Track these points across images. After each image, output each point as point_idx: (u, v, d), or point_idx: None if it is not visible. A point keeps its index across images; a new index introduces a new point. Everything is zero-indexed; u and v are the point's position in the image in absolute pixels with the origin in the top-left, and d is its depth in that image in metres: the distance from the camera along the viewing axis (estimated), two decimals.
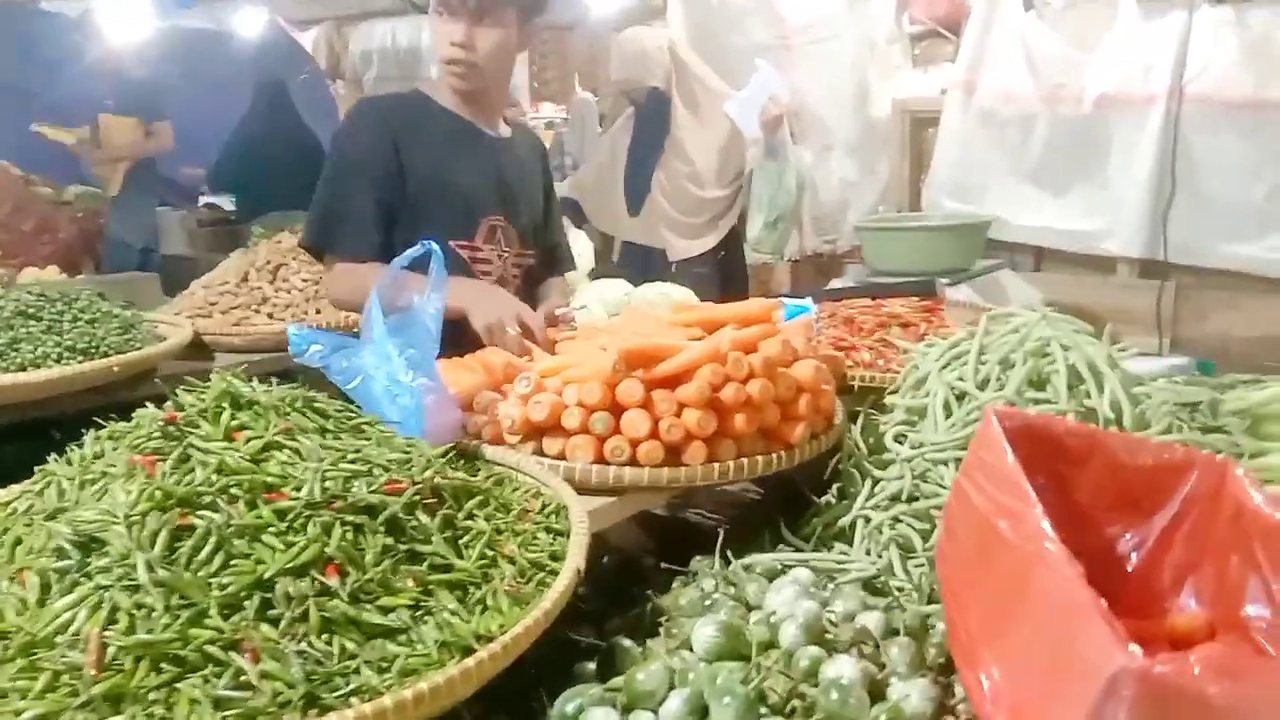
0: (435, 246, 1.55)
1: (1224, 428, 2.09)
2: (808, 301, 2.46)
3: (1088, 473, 1.35)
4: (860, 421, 1.85)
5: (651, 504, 1.56)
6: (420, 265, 1.57)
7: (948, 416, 1.64)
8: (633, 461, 1.50)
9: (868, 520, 1.60)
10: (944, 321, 2.33)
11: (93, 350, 2.02)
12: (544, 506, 1.36)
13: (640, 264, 3.65)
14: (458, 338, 1.84)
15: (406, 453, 1.26)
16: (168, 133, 5.57)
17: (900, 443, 1.67)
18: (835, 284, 2.87)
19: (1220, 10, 3.31)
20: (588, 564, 1.19)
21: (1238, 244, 3.44)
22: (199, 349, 2.37)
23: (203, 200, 7.31)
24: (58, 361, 1.96)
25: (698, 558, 1.50)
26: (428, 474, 1.20)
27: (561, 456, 1.52)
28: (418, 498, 1.16)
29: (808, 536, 1.66)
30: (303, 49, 10.29)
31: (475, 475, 1.44)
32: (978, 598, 1.15)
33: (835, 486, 1.75)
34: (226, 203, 7.29)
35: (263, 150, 6.41)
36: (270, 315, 2.48)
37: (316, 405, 1.29)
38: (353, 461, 1.16)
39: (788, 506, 1.81)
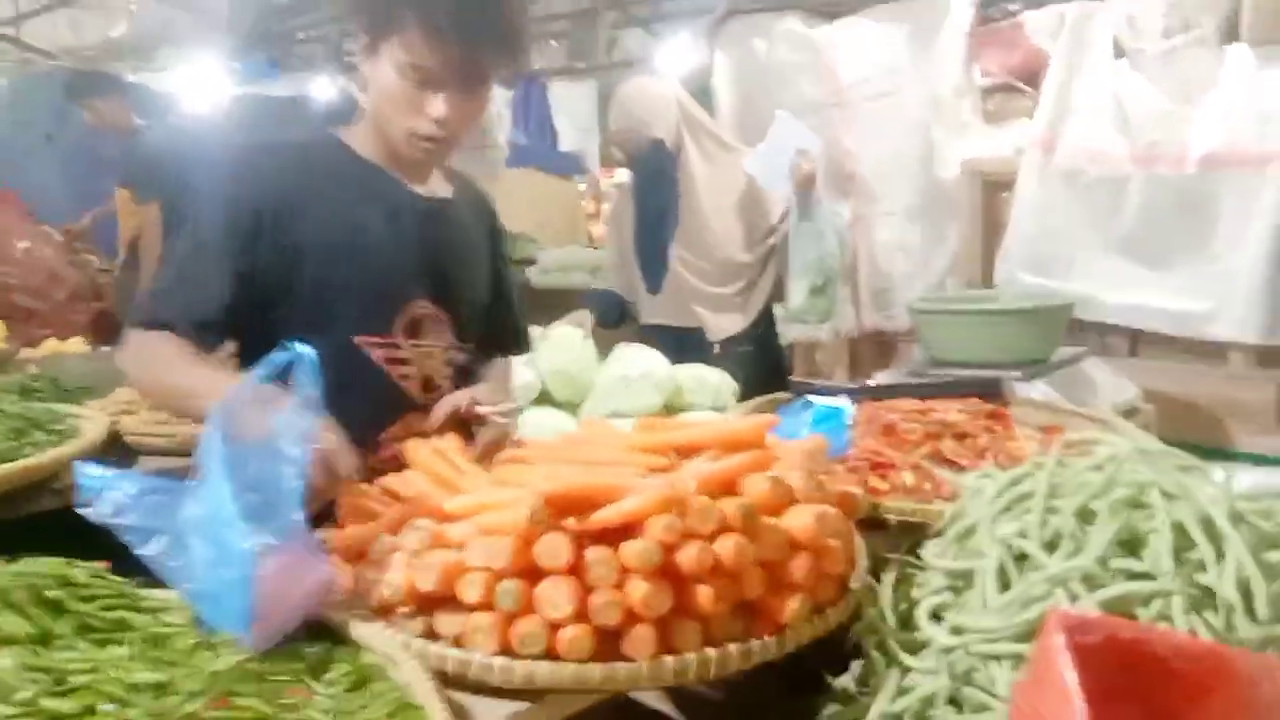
0: (305, 350, 1.17)
1: None
2: (842, 401, 2.02)
3: (1212, 712, 0.89)
4: (892, 577, 1.40)
5: (575, 709, 1.13)
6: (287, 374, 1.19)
7: (1003, 589, 1.19)
8: (551, 653, 1.08)
9: None
10: (1011, 432, 1.86)
11: None
12: None
13: (673, 346, 3.21)
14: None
15: (183, 665, 0.87)
16: (151, 214, 5.39)
17: (938, 621, 1.22)
18: (881, 377, 2.43)
19: None
20: None
21: None
22: (120, 449, 2.03)
23: None
24: None
25: None
26: (189, 709, 0.80)
27: (460, 642, 1.11)
28: None
29: None
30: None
31: (329, 670, 1.05)
32: None
33: (855, 668, 1.31)
34: None
35: None
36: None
37: (77, 582, 0.91)
38: (66, 693, 0.77)
39: (794, 683, 1.37)
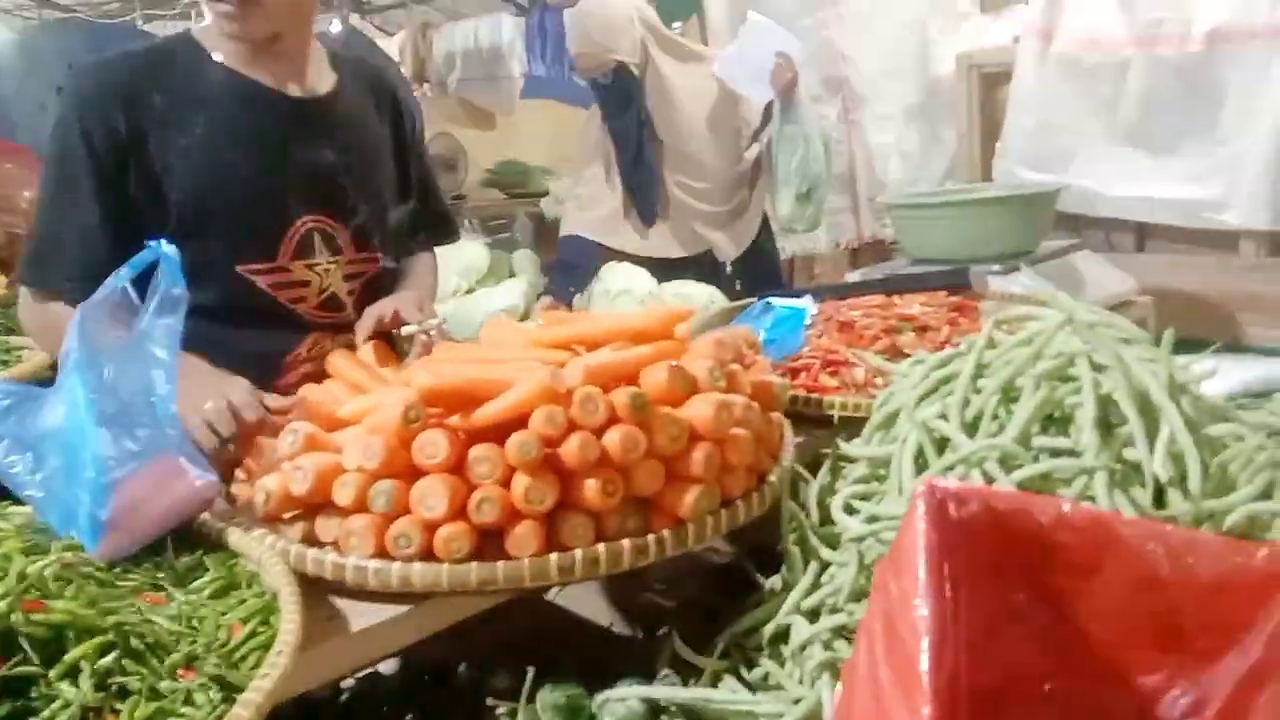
0: (168, 249, 1.11)
1: None
2: (804, 302, 1.93)
3: (1101, 587, 0.82)
4: (823, 472, 1.33)
5: (463, 615, 1.08)
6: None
7: (920, 472, 1.11)
8: (428, 554, 1.02)
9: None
10: (976, 325, 1.76)
11: None
12: (251, 635, 0.90)
13: (661, 272, 3.07)
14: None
15: None
16: None
17: (852, 514, 1.14)
18: (852, 277, 2.32)
19: None
20: None
21: None
22: None
23: None
24: None
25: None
26: None
27: (338, 547, 1.06)
28: None
29: (738, 644, 1.16)
30: (384, 54, 10.20)
31: (200, 577, 1.00)
32: None
33: (783, 568, 1.24)
34: None
35: None
36: None
37: None
38: None
39: (737, 587, 1.32)
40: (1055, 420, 1.11)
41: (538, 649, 1.16)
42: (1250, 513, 0.99)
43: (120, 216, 1.46)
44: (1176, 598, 0.80)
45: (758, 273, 3.19)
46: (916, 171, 3.71)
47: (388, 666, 1.36)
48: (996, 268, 2.13)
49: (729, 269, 3.20)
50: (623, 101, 3.02)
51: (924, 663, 0.59)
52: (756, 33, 2.80)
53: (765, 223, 3.22)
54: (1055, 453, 1.05)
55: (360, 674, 1.33)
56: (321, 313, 1.61)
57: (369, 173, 1.64)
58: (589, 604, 1.52)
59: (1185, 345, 1.22)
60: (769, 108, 3.00)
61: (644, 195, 3.13)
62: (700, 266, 3.16)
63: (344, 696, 1.30)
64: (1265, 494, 1.02)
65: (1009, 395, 1.13)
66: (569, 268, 3.25)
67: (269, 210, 1.53)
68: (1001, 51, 3.34)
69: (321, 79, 1.64)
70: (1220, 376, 1.84)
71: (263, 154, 1.53)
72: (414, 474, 1.05)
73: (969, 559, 0.78)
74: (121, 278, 1.11)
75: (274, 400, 1.29)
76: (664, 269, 3.12)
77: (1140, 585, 0.80)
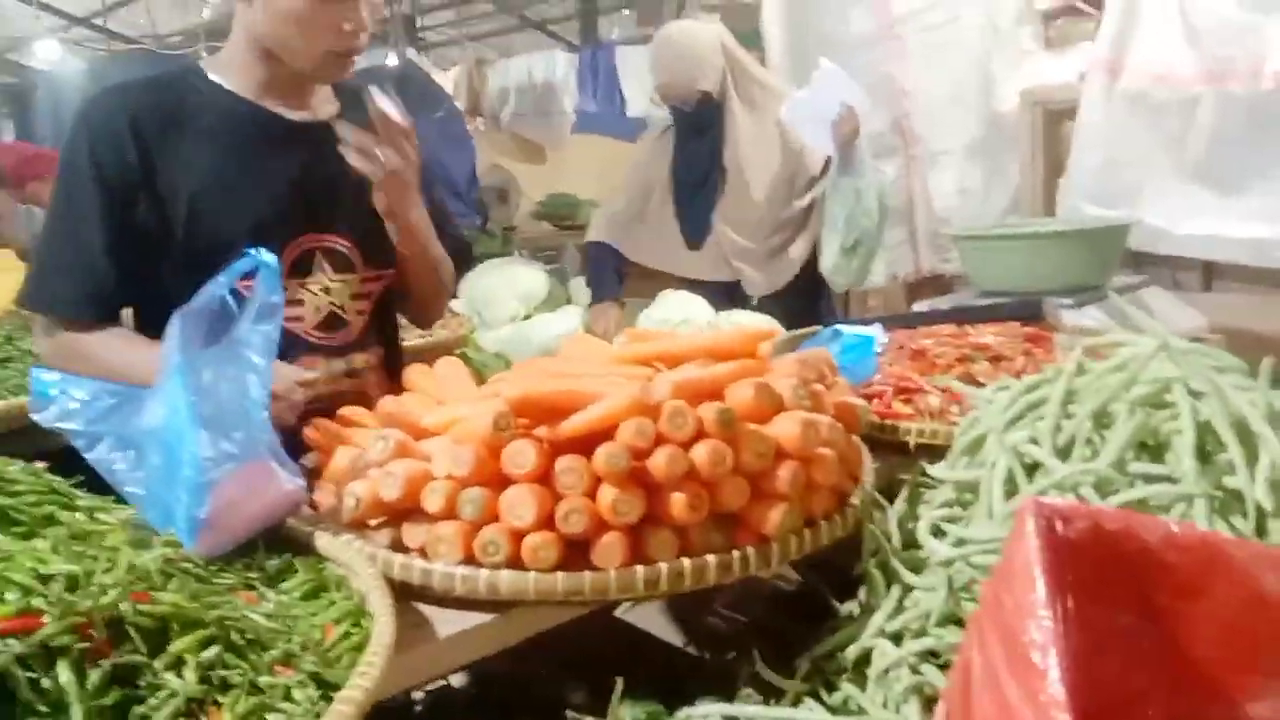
0: (268, 257, 1.13)
1: None
2: (874, 330, 1.92)
3: (1208, 609, 0.80)
4: (903, 497, 1.31)
5: (546, 626, 1.08)
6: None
7: (1009, 497, 1.09)
8: (515, 563, 1.03)
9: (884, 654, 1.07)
10: (1051, 355, 1.74)
11: None
12: (344, 637, 0.91)
13: (711, 299, 3.08)
14: None
15: (106, 561, 0.84)
16: None
17: (939, 536, 1.13)
18: (920, 307, 2.30)
19: None
20: None
21: None
22: None
23: None
24: None
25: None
26: (105, 601, 0.77)
27: (426, 553, 1.07)
28: (73, 641, 0.73)
29: (818, 667, 1.15)
30: (439, 87, 10.40)
31: (290, 578, 1.01)
32: None
33: (861, 592, 1.23)
34: None
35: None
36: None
37: (6, 477, 0.89)
38: None
39: (810, 612, 1.30)
40: (1149, 448, 1.09)
41: (612, 666, 1.15)
42: None
43: (126, 243, 1.49)
44: None
45: (794, 311, 3.16)
46: (979, 206, 3.68)
47: (457, 679, 1.36)
48: (1068, 301, 2.11)
49: (755, 302, 3.19)
50: (701, 127, 3.04)
51: (1055, 675, 0.58)
52: (826, 80, 2.80)
53: (813, 264, 3.19)
54: (1152, 479, 1.03)
55: (431, 687, 1.33)
56: (320, 333, 1.62)
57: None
58: (656, 624, 1.51)
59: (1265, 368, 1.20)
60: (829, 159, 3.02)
61: (696, 220, 3.16)
62: (727, 294, 3.16)
63: (418, 708, 1.30)
64: None
65: (1101, 422, 1.11)
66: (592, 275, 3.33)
67: (267, 227, 1.53)
68: (1065, 89, 3.32)
69: (326, 105, 1.67)
70: None
71: (270, 177, 1.56)
72: (502, 483, 1.06)
73: (1076, 577, 0.77)
74: (221, 285, 1.13)
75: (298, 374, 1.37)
76: (688, 287, 3.13)
77: (1248, 608, 0.78)
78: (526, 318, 3.24)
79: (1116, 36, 3.13)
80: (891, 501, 1.33)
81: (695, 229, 3.13)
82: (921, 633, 1.07)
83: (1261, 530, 0.98)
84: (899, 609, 1.13)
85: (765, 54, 4.25)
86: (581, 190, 9.38)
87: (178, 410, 1.03)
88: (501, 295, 3.29)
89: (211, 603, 0.84)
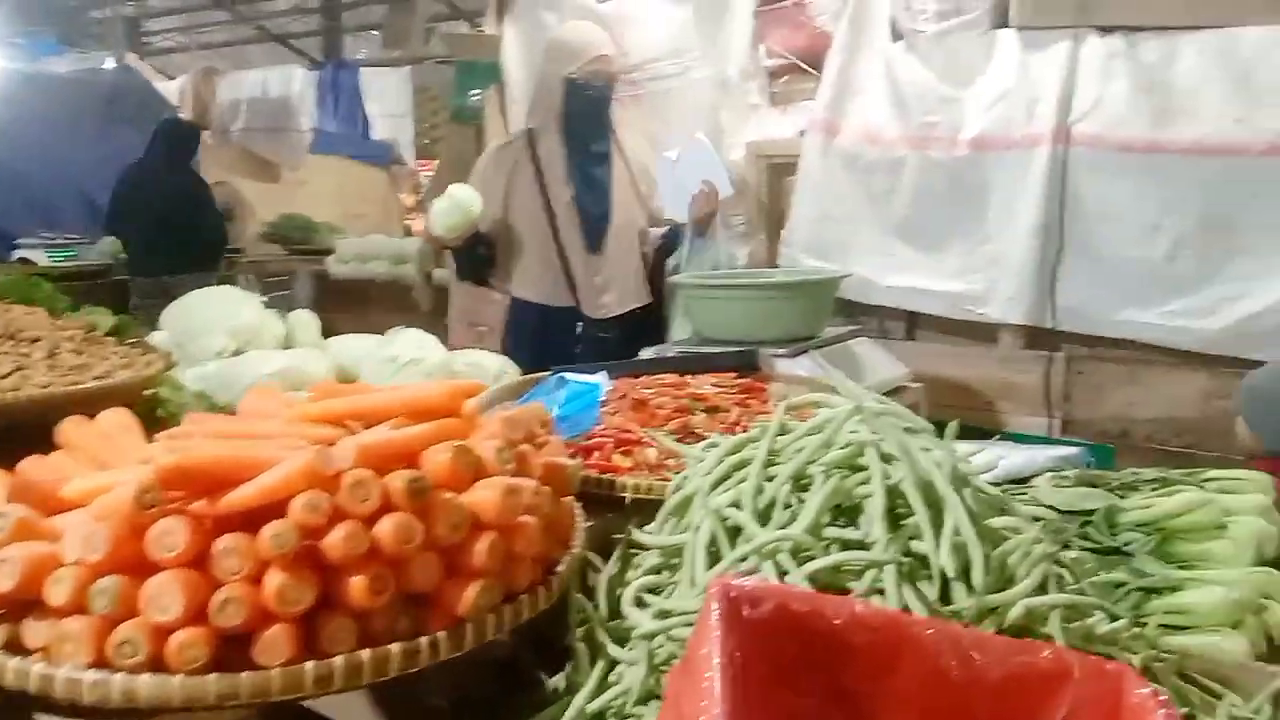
0: None
1: (1124, 548, 1.60)
2: (598, 378, 1.89)
3: (894, 687, 0.78)
4: (614, 559, 1.26)
5: None
6: None
7: (712, 565, 1.07)
8: (158, 663, 0.88)
9: None
10: (766, 406, 1.77)
11: None
12: None
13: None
14: None
15: None
16: None
17: (643, 607, 1.08)
18: (646, 354, 2.32)
19: (1109, 41, 2.89)
20: None
21: (1137, 309, 2.97)
22: None
23: (17, 254, 6.62)
24: None
25: None
26: None
27: (49, 654, 0.90)
28: None
29: None
30: (161, 95, 9.66)
31: None
32: None
33: (568, 666, 1.16)
34: (42, 256, 6.61)
35: (157, 198, 5.84)
36: None
37: None
38: None
39: (520, 679, 1.22)
40: (845, 510, 1.10)
41: None
42: (1030, 606, 1.00)
43: None
44: (968, 697, 0.78)
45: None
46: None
47: None
48: (783, 350, 2.17)
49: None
50: (597, 121, 3.01)
51: None
52: (695, 152, 2.81)
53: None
54: (846, 544, 1.04)
55: None
56: None
57: None
58: (350, 706, 1.38)
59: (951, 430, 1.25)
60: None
61: (593, 221, 3.06)
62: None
63: None
64: (1041, 588, 1.04)
65: (800, 483, 1.11)
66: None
67: None
68: (789, 143, 3.49)
69: None
70: (986, 460, 1.94)
71: None
72: (147, 569, 0.91)
73: (763, 660, 0.74)
74: None
75: None
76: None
77: (932, 685, 0.78)
78: (236, 353, 2.98)
79: (832, 99, 3.32)
80: (608, 558, 1.28)
81: (596, 230, 3.05)
82: (623, 714, 1.02)
83: (945, 596, 1.00)
84: (603, 685, 1.07)
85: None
86: (317, 212, 8.94)
87: None
88: (210, 327, 3.01)
89: None
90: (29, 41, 10.01)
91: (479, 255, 3.17)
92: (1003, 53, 3.07)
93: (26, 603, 0.93)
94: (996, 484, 1.83)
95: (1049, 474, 1.97)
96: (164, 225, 5.68)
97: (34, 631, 0.91)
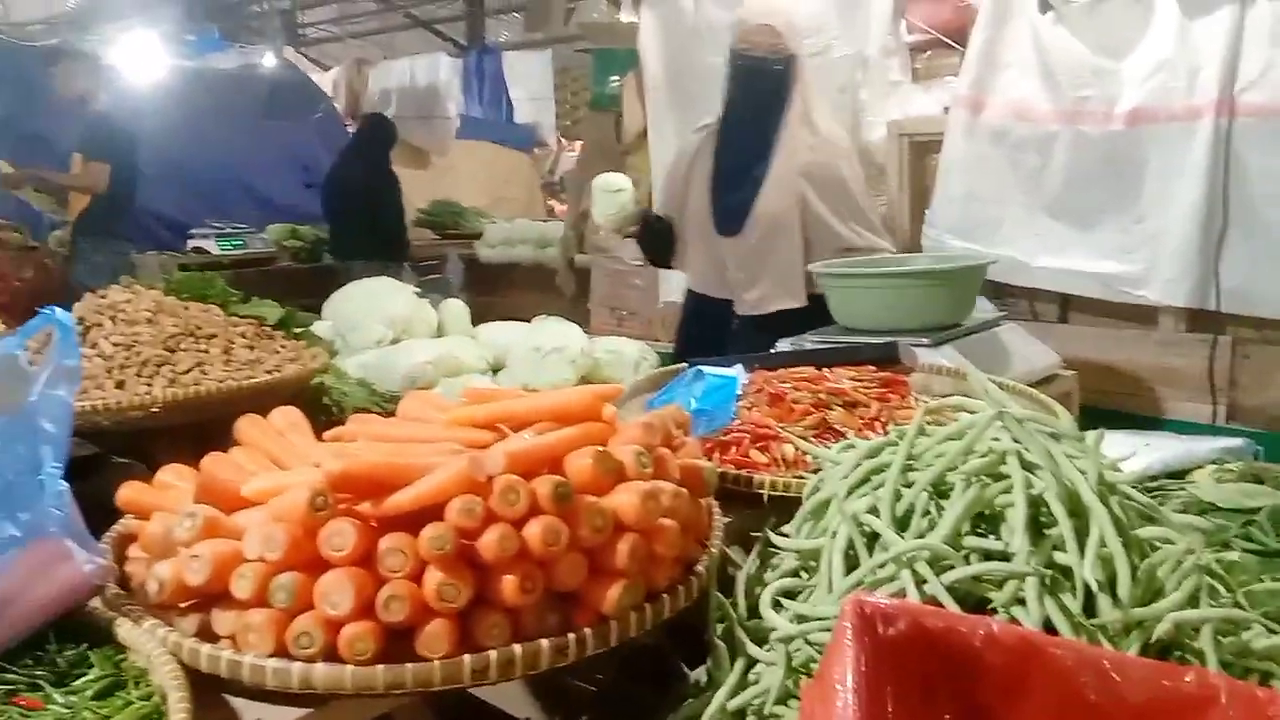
0: (62, 315, 1.04)
1: None
2: (735, 371, 1.90)
3: (1029, 709, 0.78)
4: (753, 558, 1.29)
5: (372, 714, 1.02)
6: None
7: (849, 570, 1.08)
8: (331, 654, 0.96)
9: None
10: (905, 401, 1.76)
11: None
12: None
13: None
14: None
15: None
16: (98, 173, 5.33)
17: (779, 610, 1.11)
18: (783, 345, 2.31)
19: (1278, 3, 2.70)
20: None
21: None
22: None
23: (191, 244, 7.04)
24: None
25: None
26: None
27: (235, 642, 0.99)
28: None
29: None
30: (317, 88, 10.11)
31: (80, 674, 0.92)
32: None
33: (709, 661, 1.20)
34: (214, 245, 7.01)
35: (353, 186, 6.28)
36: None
37: None
38: None
39: (660, 672, 1.27)
40: (987, 518, 1.09)
41: None
42: (1178, 620, 0.97)
43: None
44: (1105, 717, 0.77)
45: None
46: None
47: None
48: (925, 340, 2.14)
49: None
50: (769, 94, 2.81)
51: None
52: None
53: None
54: (987, 554, 1.03)
55: None
56: None
57: None
58: (504, 690, 1.45)
59: (1106, 417, 1.22)
60: None
61: (738, 204, 2.89)
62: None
63: None
64: (1192, 600, 1.01)
65: (939, 490, 1.11)
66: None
67: None
68: (932, 121, 3.39)
69: None
70: (1141, 455, 1.86)
71: None
72: (319, 566, 0.99)
73: (896, 679, 0.75)
74: (10, 344, 1.04)
75: None
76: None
77: (1069, 708, 0.78)
78: (394, 342, 3.13)
79: (978, 74, 3.21)
80: (747, 552, 1.31)
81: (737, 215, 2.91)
82: (762, 713, 1.05)
83: (1090, 608, 0.99)
84: (743, 684, 1.10)
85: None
86: (466, 198, 9.22)
87: None
88: (367, 318, 3.17)
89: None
90: (196, 38, 10.61)
91: (650, 240, 3.19)
92: (1160, 20, 2.90)
93: (214, 594, 1.02)
94: (1152, 478, 1.78)
95: (1210, 467, 1.89)
96: (358, 215, 6.06)
97: (222, 621, 1.01)
